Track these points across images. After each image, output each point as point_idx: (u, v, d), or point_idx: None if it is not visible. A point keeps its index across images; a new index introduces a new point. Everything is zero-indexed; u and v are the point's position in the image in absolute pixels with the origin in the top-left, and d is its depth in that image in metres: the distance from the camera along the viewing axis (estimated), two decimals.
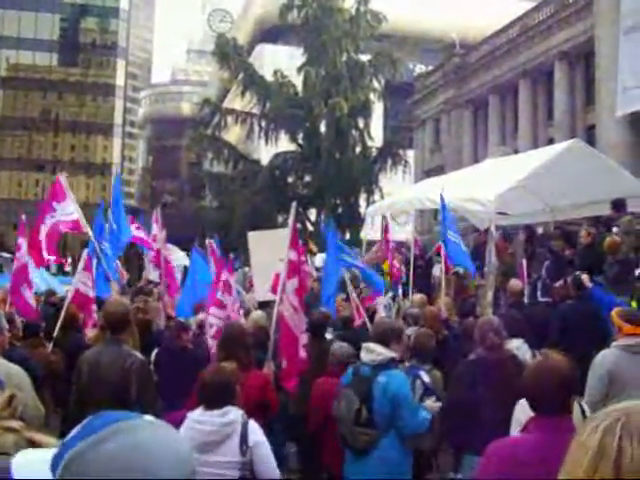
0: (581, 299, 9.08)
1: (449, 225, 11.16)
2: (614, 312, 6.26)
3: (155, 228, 13.04)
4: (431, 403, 6.10)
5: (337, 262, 12.10)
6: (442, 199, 11.24)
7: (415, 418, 5.57)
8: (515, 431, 4.29)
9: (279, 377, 6.95)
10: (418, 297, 10.99)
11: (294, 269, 7.26)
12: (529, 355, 6.44)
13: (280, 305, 7.11)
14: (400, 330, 6.14)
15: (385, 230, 14.83)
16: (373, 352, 5.70)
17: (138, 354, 5.70)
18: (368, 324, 10.04)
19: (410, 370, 6.73)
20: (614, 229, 11.97)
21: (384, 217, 16.96)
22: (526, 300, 11.46)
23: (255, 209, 38.29)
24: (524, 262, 13.53)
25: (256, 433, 4.76)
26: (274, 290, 7.84)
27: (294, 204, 7.66)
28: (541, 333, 8.38)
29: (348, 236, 35.44)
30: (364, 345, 5.85)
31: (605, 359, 6.01)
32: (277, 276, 7.66)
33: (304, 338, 7.19)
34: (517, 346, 6.38)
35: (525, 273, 13.04)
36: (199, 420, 4.72)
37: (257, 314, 9.52)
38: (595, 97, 29.16)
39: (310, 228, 42.42)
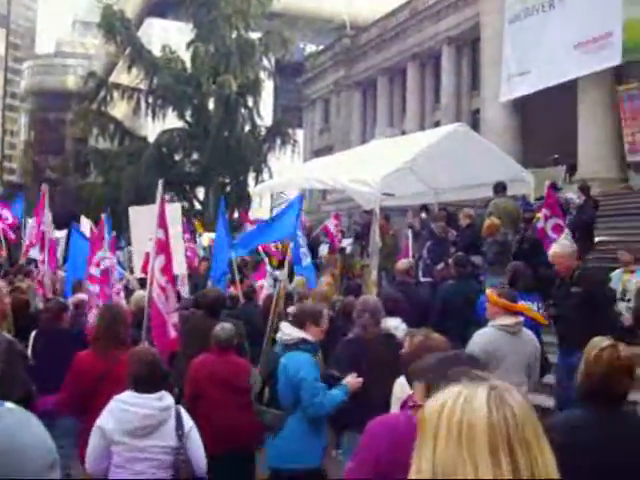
0: (461, 279, 9.31)
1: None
2: (490, 292, 6.43)
3: (40, 207, 12.68)
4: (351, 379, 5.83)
5: (227, 242, 12.10)
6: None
7: (313, 400, 5.40)
8: (394, 408, 4.36)
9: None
10: (299, 278, 11.09)
11: (162, 247, 7.16)
12: (403, 334, 6.56)
13: (151, 285, 7.00)
14: (318, 312, 5.97)
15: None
16: (283, 332, 5.76)
17: (6, 334, 5.51)
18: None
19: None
20: (487, 210, 12.37)
21: (272, 195, 17.03)
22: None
23: (141, 186, 37.57)
24: (410, 242, 13.84)
25: (188, 418, 4.81)
26: (144, 269, 7.72)
27: (161, 182, 7.50)
28: (422, 312, 8.57)
29: (237, 215, 35.27)
30: (282, 324, 6.00)
31: (481, 338, 6.17)
32: (147, 255, 7.53)
33: (174, 317, 7.11)
34: (395, 325, 6.47)
35: (410, 253, 13.33)
36: (133, 403, 4.62)
37: (139, 294, 9.35)
38: (481, 82, 29.86)
39: (198, 207, 42.02)
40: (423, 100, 38.76)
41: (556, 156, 23.04)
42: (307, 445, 5.53)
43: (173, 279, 7.39)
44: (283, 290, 8.32)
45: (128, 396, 4.68)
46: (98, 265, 9.67)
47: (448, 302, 8.94)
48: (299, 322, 5.79)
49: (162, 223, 7.21)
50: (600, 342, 3.57)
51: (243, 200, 38.24)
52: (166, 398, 4.71)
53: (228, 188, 41.43)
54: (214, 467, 6.48)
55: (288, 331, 5.69)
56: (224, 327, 6.68)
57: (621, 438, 3.35)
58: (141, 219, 10.76)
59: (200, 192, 43.00)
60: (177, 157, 42.53)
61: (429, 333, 3.85)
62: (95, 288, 9.45)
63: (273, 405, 5.54)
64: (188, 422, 4.77)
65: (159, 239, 7.13)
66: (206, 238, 22.73)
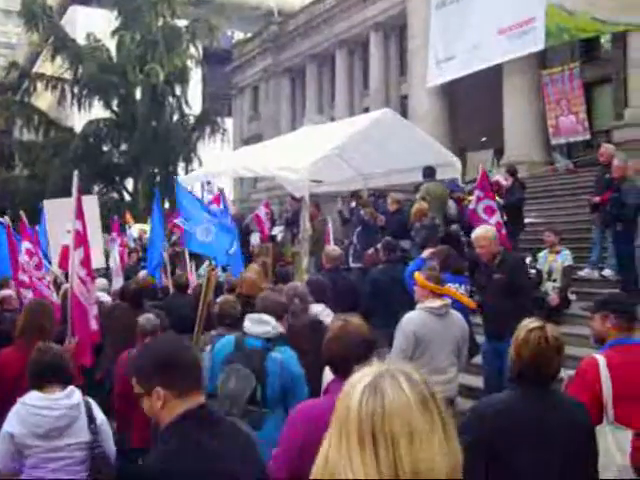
0: (390, 263, 9.39)
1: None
2: (417, 274, 6.50)
3: None
4: None
5: (162, 233, 12.03)
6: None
7: (304, 395, 5.10)
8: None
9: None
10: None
11: (80, 240, 7.05)
12: (330, 320, 6.58)
13: (71, 278, 6.89)
14: (287, 306, 5.88)
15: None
16: (267, 324, 5.28)
17: None
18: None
19: (217, 338, 6.71)
20: (417, 195, 12.49)
21: (202, 185, 16.90)
22: None
23: (68, 178, 36.77)
24: (330, 229, 13.86)
25: (99, 410, 4.72)
26: (63, 264, 7.56)
27: (76, 172, 7.33)
28: (352, 298, 8.61)
29: (167, 205, 34.89)
30: (253, 316, 5.39)
31: (410, 321, 6.25)
32: (66, 249, 7.37)
33: (94, 309, 7.03)
34: (319, 311, 6.49)
35: (331, 239, 13.35)
36: (42, 405, 4.46)
37: (66, 287, 9.19)
38: (408, 68, 30.08)
39: (127, 198, 41.45)
40: (352, 87, 38.90)
41: (484, 139, 23.40)
42: None
43: (91, 272, 7.26)
44: (213, 279, 8.22)
45: (35, 398, 4.51)
46: (32, 257, 9.47)
47: (377, 286, 9.00)
48: (276, 315, 5.45)
49: (79, 215, 7.06)
50: (528, 324, 3.64)
51: (173, 190, 37.86)
52: (74, 394, 4.60)
53: (158, 178, 40.93)
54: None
55: (274, 324, 5.31)
56: (148, 318, 6.65)
57: (551, 418, 3.43)
58: (57, 212, 10.55)
59: (129, 183, 42.42)
60: (105, 148, 41.84)
61: (349, 318, 3.85)
62: (24, 278, 9.23)
63: (261, 404, 5.05)
64: (99, 415, 4.68)
65: (77, 231, 6.98)
66: (136, 229, 22.48)
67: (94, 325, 6.85)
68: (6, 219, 10.72)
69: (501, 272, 7.66)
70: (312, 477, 1.73)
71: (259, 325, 5.27)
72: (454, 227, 12.44)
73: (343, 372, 3.45)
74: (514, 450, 3.30)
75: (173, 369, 2.74)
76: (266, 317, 5.32)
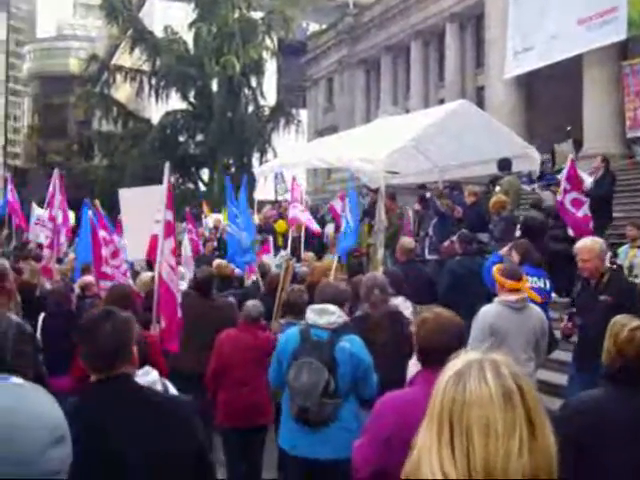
0: (467, 256, 9.30)
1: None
2: (495, 268, 6.42)
3: (52, 191, 12.79)
4: None
5: (252, 223, 12.25)
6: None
7: (374, 382, 5.13)
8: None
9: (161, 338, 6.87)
10: (308, 255, 11.07)
11: (170, 230, 7.19)
12: (409, 312, 6.56)
13: (160, 266, 7.01)
14: (347, 293, 5.80)
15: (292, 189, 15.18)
16: (332, 314, 5.21)
17: (14, 317, 5.50)
18: (260, 282, 10.21)
19: (287, 326, 6.77)
20: (497, 188, 12.29)
21: (276, 176, 17.00)
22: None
23: (146, 169, 37.52)
24: (411, 219, 13.79)
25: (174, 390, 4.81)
26: (152, 252, 7.67)
27: (167, 165, 7.49)
28: (429, 290, 8.57)
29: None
30: (315, 307, 5.35)
31: (487, 314, 6.19)
32: (154, 237, 7.49)
33: (180, 297, 7.17)
34: (399, 303, 6.47)
35: (413, 231, 13.28)
36: None
37: (146, 275, 9.37)
38: (485, 59, 29.70)
39: (202, 188, 41.98)
40: (427, 78, 38.60)
41: (569, 128, 22.91)
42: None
43: (177, 261, 7.47)
44: (290, 269, 8.27)
45: None
46: (108, 245, 9.66)
47: (454, 278, 8.94)
48: (338, 304, 5.37)
49: (169, 205, 7.21)
50: (627, 322, 3.63)
51: (248, 181, 38.18)
52: (152, 372, 4.66)
53: (233, 169, 41.36)
54: (229, 440, 6.73)
55: (339, 313, 5.25)
56: (255, 304, 6.83)
57: None
58: (132, 201, 10.72)
59: (205, 174, 42.96)
60: (181, 139, 42.50)
61: (439, 311, 3.82)
62: (107, 269, 9.43)
63: (335, 396, 5.03)
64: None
65: (168, 221, 7.13)
66: (212, 219, 22.73)
67: (180, 312, 6.99)
68: (96, 203, 10.95)
69: (608, 294, 6.57)
70: (406, 468, 1.72)
71: (323, 315, 5.23)
72: (550, 221, 12.06)
73: (435, 363, 3.41)
74: (605, 449, 3.24)
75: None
76: (329, 307, 5.27)
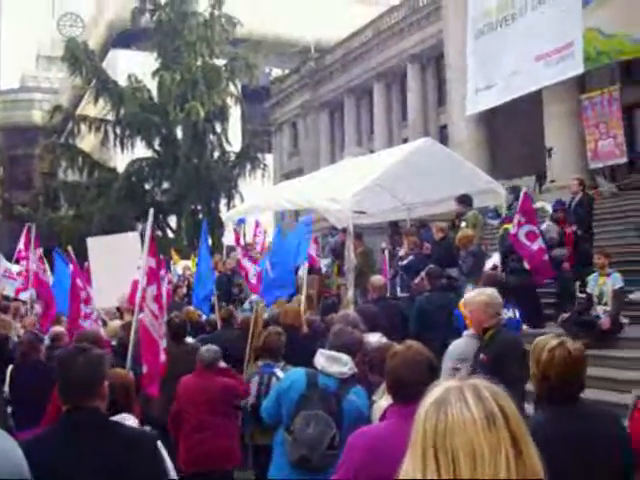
0: (435, 291, 9.36)
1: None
2: (462, 303, 6.45)
3: (23, 245, 12.77)
4: None
5: (209, 266, 12.20)
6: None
7: None
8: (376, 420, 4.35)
9: (139, 383, 6.82)
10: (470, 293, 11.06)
11: (153, 276, 7.17)
12: None
13: (141, 312, 6.98)
14: (362, 342, 5.63)
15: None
16: (345, 365, 5.05)
17: None
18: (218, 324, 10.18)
19: (264, 368, 6.77)
20: (462, 223, 12.39)
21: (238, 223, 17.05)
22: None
23: (112, 218, 37.41)
24: (386, 258, 13.85)
25: None
26: (131, 299, 7.71)
27: (151, 211, 7.50)
28: (402, 326, 8.60)
29: (211, 242, 35.17)
30: (327, 353, 5.14)
31: (456, 347, 6.24)
32: (135, 284, 7.53)
33: (163, 342, 7.14)
34: (376, 340, 6.48)
35: (387, 269, 13.32)
36: None
37: (116, 323, 9.34)
38: (447, 97, 30.11)
39: (170, 235, 41.85)
40: (390, 118, 39.04)
41: (550, 147, 23.07)
42: None
43: (163, 307, 7.41)
44: (261, 312, 8.27)
45: None
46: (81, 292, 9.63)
47: (424, 313, 9.03)
48: (350, 352, 5.16)
49: (152, 252, 7.21)
50: (547, 342, 3.59)
51: (216, 226, 38.17)
52: (129, 421, 4.61)
53: (200, 215, 41.31)
54: None
55: (351, 364, 5.07)
56: (209, 349, 6.81)
57: (584, 431, 3.40)
58: (101, 249, 10.74)
59: (172, 221, 42.86)
60: (147, 186, 42.44)
61: (409, 344, 3.84)
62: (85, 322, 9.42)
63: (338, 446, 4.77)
64: None
65: (151, 268, 7.12)
66: (180, 266, 22.66)
67: (163, 357, 6.95)
68: (69, 250, 10.91)
69: (486, 352, 5.87)
70: None
71: (335, 364, 5.06)
72: (556, 251, 12.24)
73: (405, 397, 3.42)
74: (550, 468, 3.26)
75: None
76: (342, 356, 5.08)
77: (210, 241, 34.59)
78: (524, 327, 8.71)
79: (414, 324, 8.99)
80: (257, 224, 15.79)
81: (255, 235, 18.49)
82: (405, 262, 12.80)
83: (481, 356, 5.87)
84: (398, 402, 3.59)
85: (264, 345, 7.01)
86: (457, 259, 11.38)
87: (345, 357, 5.08)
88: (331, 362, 5.06)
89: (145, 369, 6.71)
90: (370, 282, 9.91)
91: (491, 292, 6.23)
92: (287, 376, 5.44)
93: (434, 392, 1.71)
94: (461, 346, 6.22)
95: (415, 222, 14.90)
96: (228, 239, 20.73)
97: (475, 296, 6.21)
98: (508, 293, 8.32)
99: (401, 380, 3.59)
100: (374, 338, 6.56)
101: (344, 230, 13.93)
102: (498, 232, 13.46)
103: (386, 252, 14.42)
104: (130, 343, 6.86)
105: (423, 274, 10.06)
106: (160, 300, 7.23)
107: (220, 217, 38.23)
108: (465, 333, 6.32)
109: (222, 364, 7.14)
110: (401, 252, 13.23)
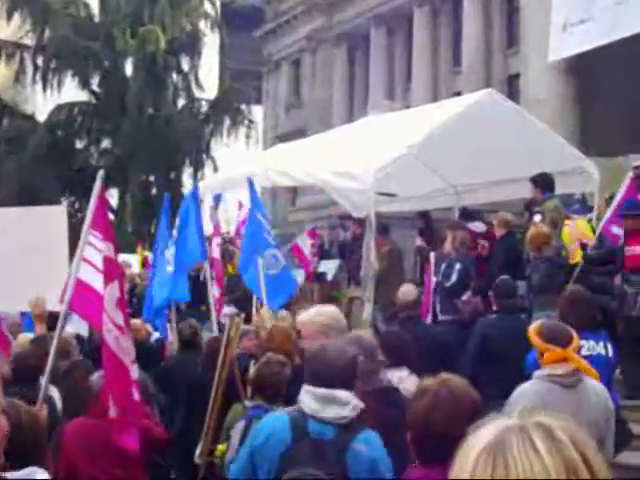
0: (506, 314, 9.36)
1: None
2: (532, 329, 6.41)
3: None
4: None
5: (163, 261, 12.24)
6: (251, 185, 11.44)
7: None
8: None
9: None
10: (263, 311, 11.04)
11: (113, 271, 6.84)
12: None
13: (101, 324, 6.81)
14: (356, 363, 5.31)
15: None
16: (345, 405, 4.89)
17: None
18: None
19: (254, 411, 6.73)
20: (536, 217, 12.27)
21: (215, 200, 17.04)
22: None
23: (27, 185, 37.29)
24: (431, 265, 13.74)
25: None
26: (74, 304, 7.32)
27: (100, 173, 7.41)
28: (439, 358, 8.59)
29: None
30: (318, 392, 4.92)
31: (524, 395, 6.13)
32: (79, 283, 7.11)
33: (135, 371, 6.76)
34: (400, 376, 6.46)
35: (430, 278, 13.19)
36: None
37: (25, 337, 9.36)
38: (519, 35, 30.01)
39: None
40: (436, 61, 38.89)
41: None
42: None
43: (128, 318, 7.11)
44: (237, 332, 8.25)
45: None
46: None
47: (489, 345, 9.07)
48: (345, 384, 4.96)
49: (108, 235, 6.83)
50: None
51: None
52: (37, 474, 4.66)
53: (154, 190, 41.26)
54: None
55: (354, 403, 4.88)
56: (100, 376, 6.63)
57: None
58: (5, 228, 10.69)
59: (113, 196, 42.78)
60: (79, 144, 42.35)
61: (447, 379, 3.85)
62: None
63: None
64: None
65: (108, 258, 6.73)
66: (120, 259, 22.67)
67: (136, 394, 6.59)
68: None
69: None
70: None
71: (329, 406, 4.87)
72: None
73: (434, 456, 3.43)
74: None
75: None
76: (339, 393, 4.87)
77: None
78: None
79: (471, 359, 9.03)
80: (240, 205, 15.68)
81: (239, 222, 18.33)
82: (444, 267, 12.74)
83: None
84: (422, 462, 3.61)
85: (258, 379, 6.98)
86: (524, 267, 11.36)
87: (344, 394, 4.88)
88: (324, 403, 4.89)
89: (113, 412, 6.48)
90: (398, 295, 9.90)
91: (331, 310, 6.42)
92: (262, 426, 5.21)
93: (483, 434, 1.69)
94: (529, 393, 6.16)
95: (466, 212, 14.84)
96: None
97: (312, 318, 6.33)
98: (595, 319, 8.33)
99: (428, 430, 3.60)
100: (398, 374, 6.54)
101: (359, 221, 13.93)
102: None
103: (432, 256, 14.23)
104: (48, 365, 6.82)
105: (491, 293, 10.02)
106: (124, 305, 6.84)
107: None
108: (537, 374, 6.26)
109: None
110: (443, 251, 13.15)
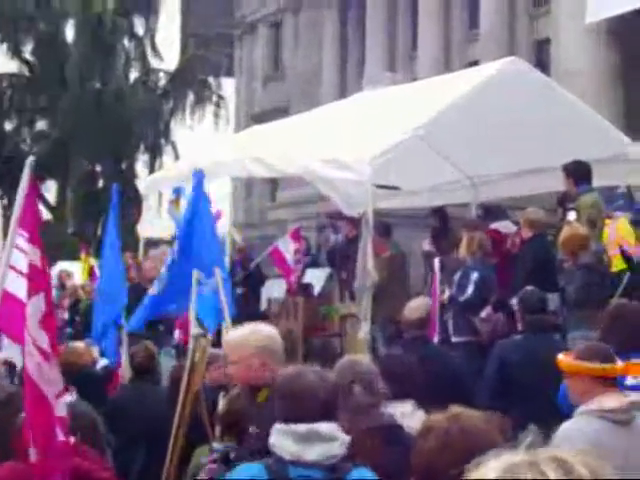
0: (534, 333, 9.38)
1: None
2: (564, 355, 6.41)
3: None
4: None
5: (119, 272, 12.28)
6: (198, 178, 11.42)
7: None
8: None
9: None
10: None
11: (41, 280, 6.78)
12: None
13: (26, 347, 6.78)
14: (336, 390, 5.38)
15: None
16: (331, 441, 4.96)
17: None
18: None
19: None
20: (571, 214, 12.30)
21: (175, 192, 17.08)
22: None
23: None
24: (436, 273, 13.80)
25: None
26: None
27: (29, 161, 7.47)
28: (451, 389, 8.62)
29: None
30: (298, 429, 4.94)
31: (571, 437, 6.03)
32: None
33: (62, 406, 6.78)
34: (404, 411, 6.48)
35: (437, 289, 13.25)
36: None
37: None
38: None
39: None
40: (448, 25, 38.96)
41: None
42: None
43: (55, 337, 7.07)
44: (204, 355, 8.29)
45: None
46: None
47: (508, 372, 9.08)
48: (328, 415, 5.07)
49: (35, 235, 6.85)
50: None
51: (129, 202, 38.17)
52: None
53: (100, 182, 41.33)
54: None
55: (343, 438, 4.98)
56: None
57: None
58: None
59: (51, 189, 42.85)
60: (8, 125, 42.42)
61: (459, 412, 3.88)
62: None
63: None
64: None
65: (33, 265, 6.72)
66: (55, 271, 22.64)
67: (61, 434, 6.58)
68: None
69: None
70: None
71: (312, 445, 4.90)
72: None
73: None
74: None
75: None
76: (322, 428, 4.94)
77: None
78: None
79: (488, 390, 9.07)
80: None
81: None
82: (459, 277, 12.77)
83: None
84: None
85: (227, 415, 6.99)
86: (556, 276, 11.40)
87: (328, 428, 4.97)
88: (306, 442, 4.91)
89: (33, 455, 6.46)
90: (404, 311, 9.93)
91: (269, 330, 6.57)
92: (234, 476, 5.27)
93: (485, 474, 1.70)
94: (578, 436, 6.05)
95: (489, 209, 14.90)
96: (152, 225, 20.74)
97: (242, 339, 6.48)
98: None
99: (439, 476, 3.63)
100: (402, 409, 6.57)
101: (353, 220, 13.97)
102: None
103: (436, 262, 14.26)
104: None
105: (515, 303, 10.05)
106: (51, 324, 6.81)
107: (136, 185, 38.19)
108: (581, 410, 6.20)
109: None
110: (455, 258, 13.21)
